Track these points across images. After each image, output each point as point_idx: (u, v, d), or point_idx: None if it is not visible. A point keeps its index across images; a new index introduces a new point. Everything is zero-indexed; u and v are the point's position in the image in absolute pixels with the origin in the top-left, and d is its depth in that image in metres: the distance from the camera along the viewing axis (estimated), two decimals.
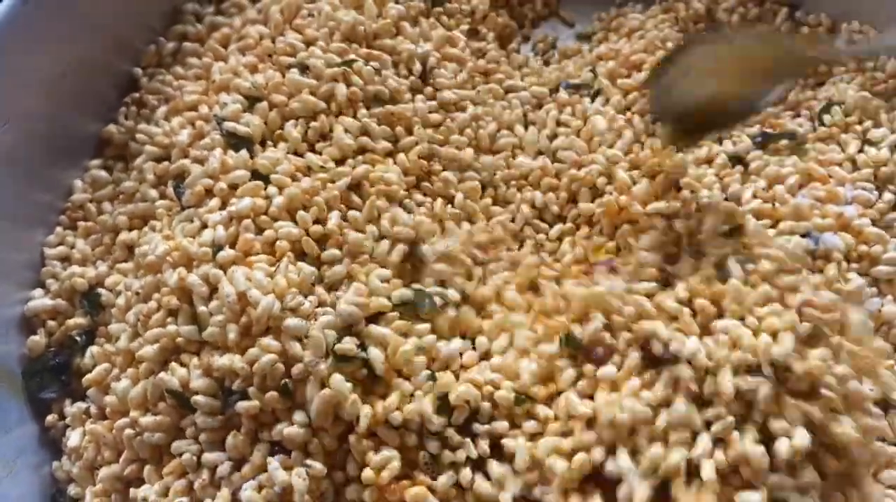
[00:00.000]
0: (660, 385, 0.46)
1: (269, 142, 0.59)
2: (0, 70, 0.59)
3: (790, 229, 0.56)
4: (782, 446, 0.44)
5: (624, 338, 0.48)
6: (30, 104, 0.61)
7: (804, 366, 0.45)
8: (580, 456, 0.45)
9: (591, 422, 0.46)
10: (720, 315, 0.49)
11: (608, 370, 0.47)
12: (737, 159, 0.62)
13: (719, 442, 0.45)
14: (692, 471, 0.44)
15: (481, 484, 0.47)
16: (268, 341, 0.48)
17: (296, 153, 0.58)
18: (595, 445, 0.46)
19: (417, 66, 0.63)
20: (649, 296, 0.50)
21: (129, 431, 0.51)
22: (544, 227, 0.61)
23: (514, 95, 0.66)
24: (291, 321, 0.48)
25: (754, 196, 0.59)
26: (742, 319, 0.48)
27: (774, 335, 0.47)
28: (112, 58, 0.67)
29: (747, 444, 0.44)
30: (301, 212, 0.53)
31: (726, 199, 0.59)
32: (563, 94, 0.66)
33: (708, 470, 0.44)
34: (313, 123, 0.59)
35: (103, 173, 0.63)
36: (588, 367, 0.48)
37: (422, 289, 0.52)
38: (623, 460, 0.45)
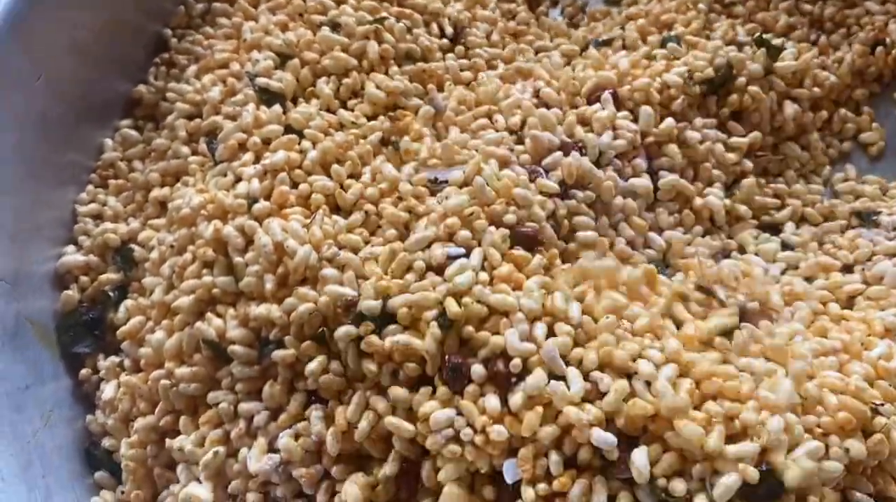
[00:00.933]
0: None
1: (301, 99, 0.59)
2: (33, 32, 0.59)
3: None
4: None
5: None
6: (61, 66, 0.61)
7: None
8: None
9: None
10: None
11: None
12: None
13: None
14: None
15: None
16: (305, 290, 0.48)
17: (328, 110, 0.58)
18: None
19: (449, 28, 0.63)
20: None
21: (164, 382, 0.51)
22: None
23: (545, 55, 0.66)
24: (328, 271, 0.48)
25: None
26: None
27: None
28: (141, 19, 0.67)
29: None
30: (335, 167, 0.53)
31: None
32: (592, 51, 0.65)
33: None
34: (345, 80, 0.59)
35: (133, 132, 0.64)
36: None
37: None
38: None
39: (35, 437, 0.53)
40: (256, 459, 0.47)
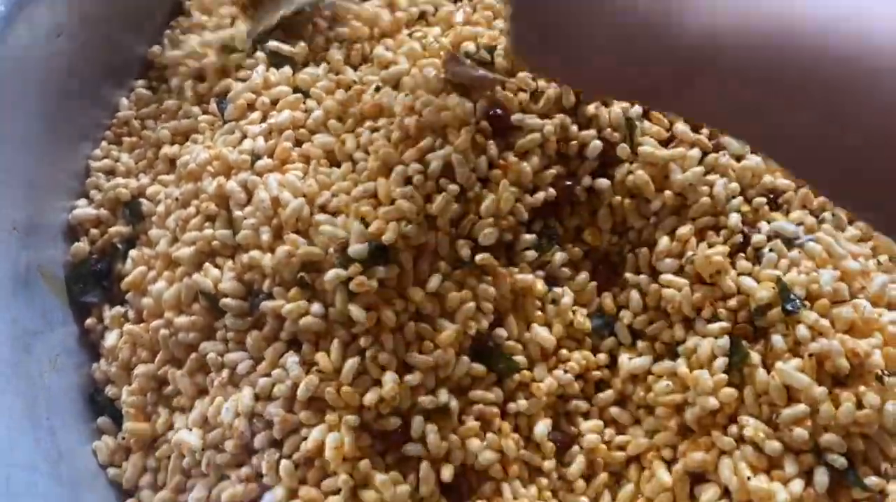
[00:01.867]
0: None
1: (312, 64, 0.60)
2: None
3: None
4: None
5: None
6: (82, 26, 0.62)
7: None
8: None
9: None
10: None
11: None
12: None
13: None
14: None
15: None
16: (295, 237, 0.49)
17: (336, 74, 0.59)
18: None
19: None
20: None
21: (164, 331, 0.52)
22: None
23: None
24: (320, 216, 0.50)
25: None
26: None
27: None
28: None
29: None
30: (334, 122, 0.55)
31: None
32: None
33: None
34: (356, 45, 0.60)
35: (148, 92, 0.65)
36: None
37: None
38: None
39: (42, 379, 0.54)
40: (232, 411, 0.49)
